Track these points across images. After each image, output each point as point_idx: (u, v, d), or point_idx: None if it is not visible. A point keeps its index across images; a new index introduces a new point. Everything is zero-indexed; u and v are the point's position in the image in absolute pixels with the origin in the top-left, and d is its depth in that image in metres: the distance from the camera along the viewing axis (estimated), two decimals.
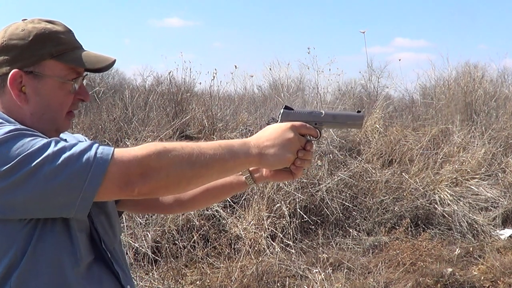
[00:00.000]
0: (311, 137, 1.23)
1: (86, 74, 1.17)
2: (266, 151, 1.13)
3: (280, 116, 1.26)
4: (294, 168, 1.22)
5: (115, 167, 0.95)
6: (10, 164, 0.91)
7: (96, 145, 0.97)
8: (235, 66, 7.18)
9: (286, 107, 1.27)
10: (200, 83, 7.51)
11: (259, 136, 1.16)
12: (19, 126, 0.99)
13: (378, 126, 6.26)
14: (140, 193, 0.99)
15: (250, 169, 1.35)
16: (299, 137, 1.19)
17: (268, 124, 1.23)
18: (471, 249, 4.74)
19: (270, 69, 7.77)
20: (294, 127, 1.18)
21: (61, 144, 0.95)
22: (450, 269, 4.17)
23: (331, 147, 5.63)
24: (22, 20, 1.11)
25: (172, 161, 1.00)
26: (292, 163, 1.19)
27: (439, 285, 3.94)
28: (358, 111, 1.33)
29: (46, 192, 0.92)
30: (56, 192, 0.93)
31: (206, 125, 6.00)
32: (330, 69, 7.51)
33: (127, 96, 6.62)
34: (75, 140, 1.13)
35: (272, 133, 1.16)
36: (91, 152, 0.95)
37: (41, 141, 0.94)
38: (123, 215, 1.96)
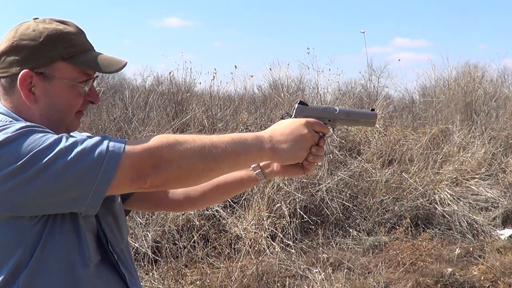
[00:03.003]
0: (324, 134, 1.23)
1: (97, 76, 1.16)
2: (279, 146, 1.12)
3: (294, 111, 1.25)
4: (306, 164, 1.22)
5: (127, 159, 0.95)
6: (22, 160, 0.91)
7: (107, 138, 0.97)
8: (235, 66, 7.17)
9: (301, 102, 1.26)
10: (200, 83, 7.52)
11: (272, 130, 1.15)
12: (29, 123, 0.99)
13: (378, 126, 6.25)
14: (152, 185, 0.99)
15: (261, 164, 1.34)
16: (313, 134, 1.18)
17: (282, 118, 1.22)
18: (471, 249, 4.73)
19: (270, 69, 7.76)
20: (309, 123, 1.17)
21: (73, 139, 0.95)
22: (450, 269, 4.18)
23: (331, 147, 5.63)
24: (34, 19, 1.10)
25: (183, 153, 0.99)
26: (305, 158, 1.19)
27: (439, 285, 3.94)
28: (372, 109, 1.33)
29: (58, 187, 0.92)
30: (68, 186, 0.93)
31: (206, 125, 5.99)
32: (330, 69, 7.53)
33: (127, 96, 6.62)
34: (84, 136, 1.14)
35: (286, 128, 1.15)
36: (103, 146, 0.95)
37: (52, 137, 0.94)
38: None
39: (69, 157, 0.92)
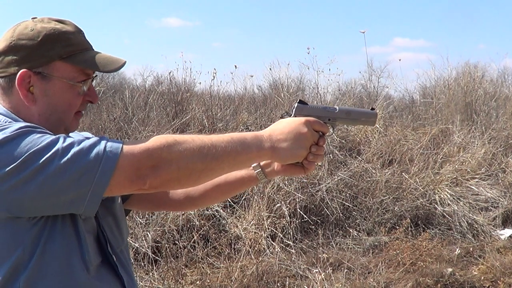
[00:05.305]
0: (323, 133, 1.22)
1: (96, 76, 1.15)
2: (279, 145, 1.12)
3: (294, 110, 1.24)
4: (306, 163, 1.22)
5: (125, 160, 0.94)
6: (19, 160, 0.90)
7: (104, 139, 0.96)
8: (235, 66, 7.18)
9: (301, 101, 1.25)
10: (200, 83, 7.52)
11: (272, 129, 1.14)
12: (28, 123, 0.99)
13: (378, 126, 6.25)
14: (151, 186, 0.98)
15: (262, 163, 1.33)
16: (313, 133, 1.17)
17: (282, 117, 1.22)
18: (471, 249, 4.73)
19: (270, 69, 7.76)
20: (308, 122, 1.17)
21: (70, 139, 0.95)
22: (450, 269, 4.17)
23: (331, 147, 5.63)
24: (32, 18, 1.09)
25: (183, 153, 0.99)
26: (305, 158, 1.18)
27: (439, 285, 3.93)
28: (372, 108, 1.33)
29: (56, 188, 0.92)
30: (66, 187, 0.92)
31: (206, 125, 5.99)
32: (330, 69, 7.53)
33: (127, 96, 6.62)
34: (82, 137, 1.13)
35: (286, 127, 1.15)
36: (101, 146, 0.94)
37: (49, 137, 0.94)
38: None
39: (66, 158, 0.91)
